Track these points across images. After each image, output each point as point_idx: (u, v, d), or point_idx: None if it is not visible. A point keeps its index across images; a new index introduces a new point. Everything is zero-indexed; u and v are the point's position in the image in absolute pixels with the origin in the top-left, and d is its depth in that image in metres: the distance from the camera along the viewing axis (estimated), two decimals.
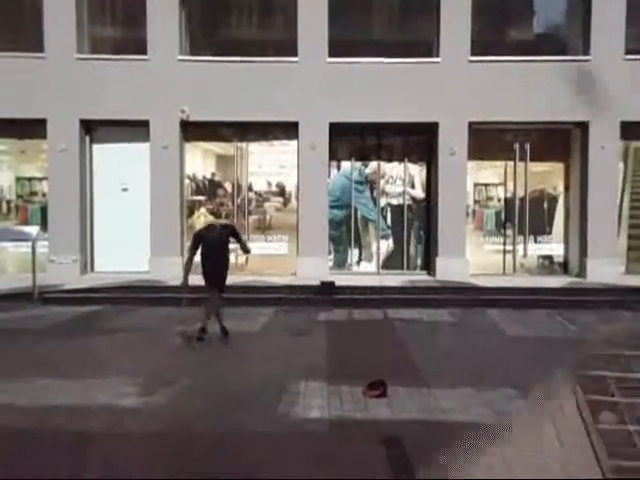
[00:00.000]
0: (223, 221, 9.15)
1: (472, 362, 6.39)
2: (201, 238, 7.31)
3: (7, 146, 12.63)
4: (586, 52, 11.96)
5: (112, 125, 12.31)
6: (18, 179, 12.60)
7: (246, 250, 7.64)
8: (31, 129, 12.21)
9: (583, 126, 12.08)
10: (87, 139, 12.45)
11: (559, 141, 12.63)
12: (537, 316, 9.18)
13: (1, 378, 5.65)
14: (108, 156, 12.50)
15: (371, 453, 3.95)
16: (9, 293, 10.15)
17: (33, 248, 10.36)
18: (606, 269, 11.70)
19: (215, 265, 7.32)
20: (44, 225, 12.01)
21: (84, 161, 12.34)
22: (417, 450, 3.95)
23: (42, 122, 11.95)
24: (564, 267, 12.64)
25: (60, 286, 10.88)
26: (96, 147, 12.57)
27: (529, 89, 11.79)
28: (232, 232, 7.56)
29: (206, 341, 7.36)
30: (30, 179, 12.61)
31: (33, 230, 10.72)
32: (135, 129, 12.21)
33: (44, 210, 12.36)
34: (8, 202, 12.61)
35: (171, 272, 11.88)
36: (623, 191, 12.36)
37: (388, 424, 4.51)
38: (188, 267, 7.25)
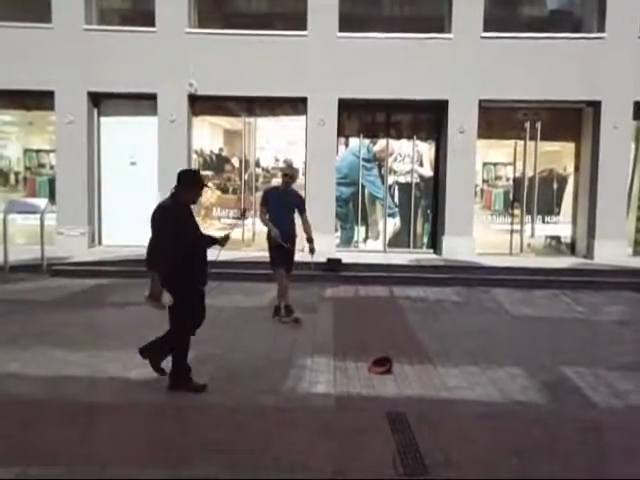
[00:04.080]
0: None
1: (477, 341, 6.42)
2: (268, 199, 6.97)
3: (15, 118, 12.59)
4: (600, 30, 11.74)
5: (120, 98, 12.25)
6: (26, 151, 12.59)
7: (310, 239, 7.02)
8: (39, 101, 12.17)
9: (595, 105, 11.92)
10: (95, 112, 12.39)
11: (570, 120, 12.47)
12: (543, 296, 9.19)
13: (12, 348, 5.73)
14: (116, 129, 12.46)
15: (376, 428, 4.00)
16: (18, 265, 10.21)
17: (41, 220, 10.41)
18: (614, 250, 11.65)
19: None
20: (52, 197, 12.04)
21: (92, 134, 12.31)
22: (421, 425, 3.99)
23: (50, 94, 11.90)
24: (571, 248, 12.59)
25: (68, 259, 10.95)
26: (104, 120, 12.52)
27: (541, 67, 11.61)
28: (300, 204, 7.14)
29: (215, 316, 7.40)
30: (38, 151, 12.59)
31: (41, 202, 10.75)
32: (143, 102, 12.14)
33: (52, 182, 12.37)
34: (16, 174, 12.62)
35: None
36: (634, 172, 12.25)
37: (393, 400, 4.55)
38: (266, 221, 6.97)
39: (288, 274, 7.14)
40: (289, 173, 7.21)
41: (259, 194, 12.46)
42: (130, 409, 4.34)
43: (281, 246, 6.86)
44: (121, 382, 4.84)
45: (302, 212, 7.16)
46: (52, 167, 12.43)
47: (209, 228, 12.61)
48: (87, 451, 3.64)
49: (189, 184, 4.60)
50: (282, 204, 6.96)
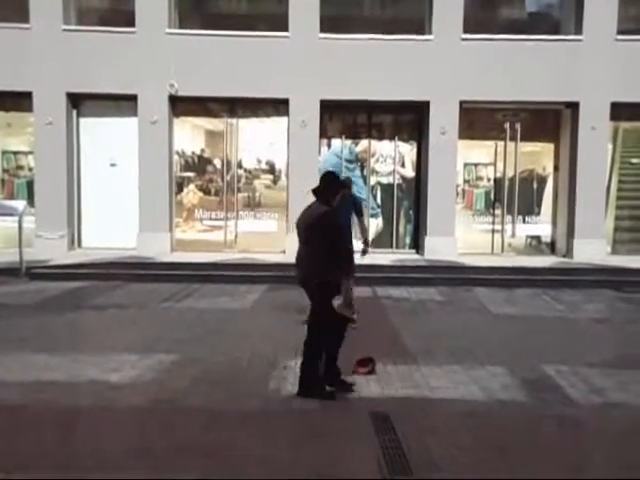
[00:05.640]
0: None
1: (460, 340, 6.46)
2: None
3: None
4: (578, 32, 11.90)
5: (99, 99, 12.12)
6: (4, 153, 12.38)
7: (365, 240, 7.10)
8: (17, 102, 11.99)
9: (573, 106, 12.07)
10: (74, 113, 12.24)
11: (549, 121, 12.63)
12: (524, 295, 9.28)
13: None
14: (96, 130, 12.32)
15: (359, 428, 4.00)
16: None
17: (19, 223, 10.26)
18: (593, 249, 11.81)
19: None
20: (31, 200, 11.86)
21: (71, 135, 12.15)
22: (405, 425, 4.01)
23: (28, 95, 11.72)
24: (551, 247, 12.74)
25: (47, 262, 10.80)
26: (83, 121, 12.37)
27: (521, 68, 11.73)
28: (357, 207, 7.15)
29: (199, 318, 7.39)
30: (16, 153, 12.40)
31: (19, 205, 10.60)
32: (123, 103, 12.03)
33: (30, 184, 12.18)
34: None
35: (159, 248, 11.86)
36: (611, 172, 12.43)
37: (377, 400, 4.56)
38: None
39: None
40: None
41: (241, 195, 12.49)
42: (111, 413, 4.29)
43: None
44: (102, 385, 4.78)
45: (360, 214, 7.27)
46: (31, 169, 12.24)
47: (191, 230, 12.59)
48: (68, 456, 3.60)
49: (336, 187, 4.70)
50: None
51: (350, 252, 4.68)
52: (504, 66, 11.75)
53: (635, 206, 12.54)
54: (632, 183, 12.52)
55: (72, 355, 5.59)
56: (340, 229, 4.62)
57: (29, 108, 11.83)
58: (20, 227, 10.25)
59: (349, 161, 12.66)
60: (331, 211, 4.57)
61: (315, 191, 4.62)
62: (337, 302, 4.46)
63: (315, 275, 4.52)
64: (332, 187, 4.66)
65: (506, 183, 12.56)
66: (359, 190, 12.65)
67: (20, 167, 12.41)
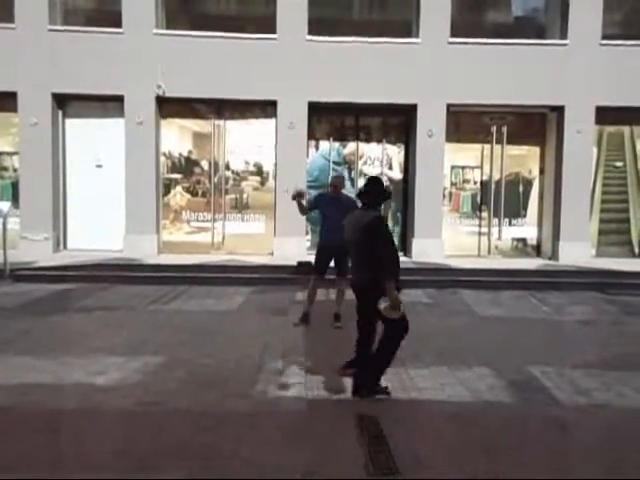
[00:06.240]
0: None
1: (447, 342, 6.49)
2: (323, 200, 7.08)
3: None
4: (564, 36, 12.04)
5: (86, 100, 12.03)
6: None
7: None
8: (1, 102, 11.85)
9: (559, 110, 12.20)
10: (59, 113, 12.14)
11: (535, 125, 12.75)
12: (510, 297, 9.34)
13: None
14: (82, 131, 12.23)
15: (346, 430, 4.00)
16: None
17: (4, 224, 10.15)
18: (577, 252, 11.94)
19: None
20: (15, 201, 11.74)
21: (56, 136, 12.05)
22: (392, 427, 4.01)
23: (13, 95, 11.62)
24: (537, 249, 12.85)
25: (32, 263, 10.69)
26: (69, 122, 12.27)
27: (507, 72, 11.84)
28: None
29: (185, 320, 7.35)
30: (0, 154, 12.28)
31: (4, 206, 10.47)
32: (109, 104, 11.95)
33: (15, 186, 12.07)
34: None
35: (146, 250, 11.79)
36: (596, 175, 12.57)
37: (364, 402, 4.56)
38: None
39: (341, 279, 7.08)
40: (335, 183, 7.51)
41: (229, 197, 12.46)
42: (97, 415, 4.26)
43: (330, 250, 6.89)
44: (88, 388, 4.74)
45: None
46: (15, 170, 12.13)
47: (178, 232, 12.53)
48: (51, 458, 3.56)
49: (384, 193, 4.83)
50: (335, 207, 6.82)
51: (398, 255, 4.82)
52: (491, 70, 11.85)
53: (619, 209, 12.69)
54: (616, 186, 12.67)
55: (57, 357, 5.53)
56: (390, 233, 4.77)
57: (14, 108, 11.71)
58: (4, 228, 10.14)
59: (337, 163, 12.68)
60: (380, 216, 4.79)
61: (368, 198, 4.75)
62: (383, 304, 4.49)
63: (366, 275, 4.64)
64: (380, 194, 4.81)
65: (492, 186, 12.66)
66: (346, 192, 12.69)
67: (4, 168, 12.28)
